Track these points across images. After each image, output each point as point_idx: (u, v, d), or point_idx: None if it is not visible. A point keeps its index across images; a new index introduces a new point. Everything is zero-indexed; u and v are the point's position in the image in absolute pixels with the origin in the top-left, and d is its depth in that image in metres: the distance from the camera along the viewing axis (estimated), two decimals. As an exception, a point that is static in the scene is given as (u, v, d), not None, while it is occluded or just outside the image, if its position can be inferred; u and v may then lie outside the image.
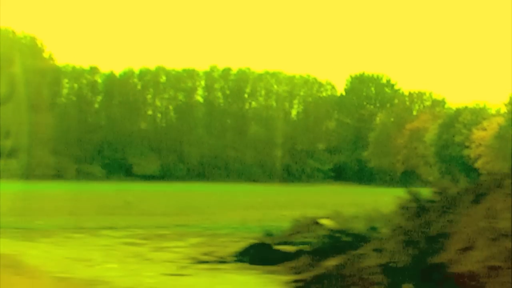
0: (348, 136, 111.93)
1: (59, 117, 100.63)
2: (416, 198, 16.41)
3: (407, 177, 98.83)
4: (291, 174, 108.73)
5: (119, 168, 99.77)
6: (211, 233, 26.57)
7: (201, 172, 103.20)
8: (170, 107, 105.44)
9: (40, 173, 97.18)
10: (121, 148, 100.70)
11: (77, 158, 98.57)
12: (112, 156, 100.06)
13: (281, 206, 43.39)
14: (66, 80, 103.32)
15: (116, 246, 22.34)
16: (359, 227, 19.55)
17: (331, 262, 17.52)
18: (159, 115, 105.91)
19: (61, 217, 32.09)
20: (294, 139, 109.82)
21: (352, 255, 16.77)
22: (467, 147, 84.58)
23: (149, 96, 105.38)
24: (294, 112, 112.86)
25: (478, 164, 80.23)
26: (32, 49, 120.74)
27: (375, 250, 16.43)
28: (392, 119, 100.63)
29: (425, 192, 16.15)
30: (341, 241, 18.97)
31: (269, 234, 25.93)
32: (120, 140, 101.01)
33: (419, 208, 15.71)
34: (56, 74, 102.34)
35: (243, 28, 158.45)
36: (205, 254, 21.23)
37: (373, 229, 19.28)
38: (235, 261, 20.21)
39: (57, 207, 38.11)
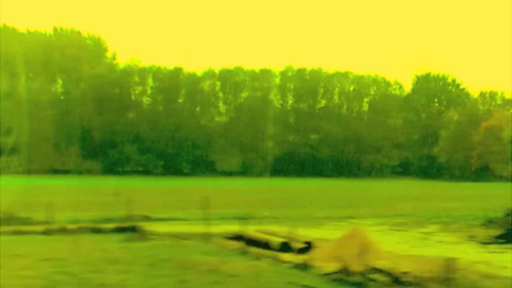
0: (415, 133, 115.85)
1: (145, 115, 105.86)
2: None
3: (479, 173, 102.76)
4: (361, 170, 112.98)
5: (202, 164, 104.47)
6: (436, 221, 30.85)
7: (278, 168, 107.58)
8: (248, 106, 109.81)
9: (129, 169, 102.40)
10: (203, 145, 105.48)
11: (163, 155, 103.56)
12: (195, 153, 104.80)
13: (422, 199, 47.43)
14: (150, 79, 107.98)
15: (389, 232, 26.64)
16: None
17: None
18: (237, 113, 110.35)
19: (275, 209, 36.62)
20: (364, 136, 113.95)
21: None
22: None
23: (229, 96, 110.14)
24: (364, 110, 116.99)
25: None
26: (97, 48, 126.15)
27: None
28: (466, 117, 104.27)
29: None
30: None
31: (490, 221, 30.54)
32: (202, 137, 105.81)
33: None
34: (142, 74, 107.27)
35: (312, 30, 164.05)
36: (471, 237, 25.59)
37: None
38: (505, 242, 24.54)
39: (246, 200, 42.65)
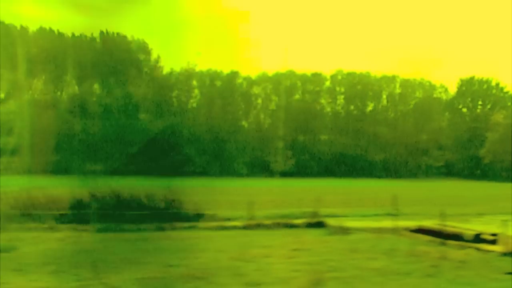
0: (460, 135, 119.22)
1: (203, 117, 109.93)
2: None
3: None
4: (408, 171, 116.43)
5: (258, 165, 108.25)
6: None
7: (330, 169, 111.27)
8: (300, 109, 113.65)
9: (189, 170, 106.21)
10: (258, 147, 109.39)
11: (220, 156, 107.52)
12: (251, 154, 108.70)
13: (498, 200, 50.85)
14: (207, 83, 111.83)
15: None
16: None
17: None
18: (289, 116, 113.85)
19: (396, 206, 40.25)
20: (410, 138, 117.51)
21: None
22: None
23: (282, 99, 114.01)
24: (410, 113, 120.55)
25: None
26: (141, 52, 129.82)
27: None
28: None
29: None
30: None
31: None
32: (257, 139, 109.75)
33: None
34: (200, 78, 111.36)
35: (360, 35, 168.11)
36: None
37: None
38: None
39: (360, 198, 46.31)
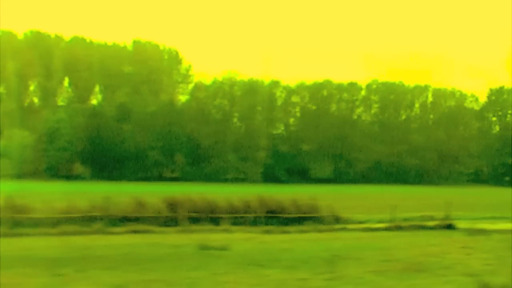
0: (489, 143, 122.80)
1: (244, 125, 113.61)
2: None
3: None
4: (439, 177, 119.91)
5: (297, 172, 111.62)
6: None
7: (366, 175, 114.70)
8: (337, 117, 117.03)
9: (231, 177, 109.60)
10: (297, 154, 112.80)
11: (261, 163, 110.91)
12: (291, 161, 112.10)
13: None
14: (248, 92, 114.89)
15: None
16: None
17: None
18: (327, 124, 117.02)
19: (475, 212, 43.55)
20: (442, 145, 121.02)
21: None
22: None
23: (320, 107, 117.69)
24: (442, 122, 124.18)
25: None
26: (173, 61, 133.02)
27: None
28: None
29: None
30: None
31: None
32: (295, 147, 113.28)
33: None
34: (240, 87, 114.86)
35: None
36: None
37: None
38: None
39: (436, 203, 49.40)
